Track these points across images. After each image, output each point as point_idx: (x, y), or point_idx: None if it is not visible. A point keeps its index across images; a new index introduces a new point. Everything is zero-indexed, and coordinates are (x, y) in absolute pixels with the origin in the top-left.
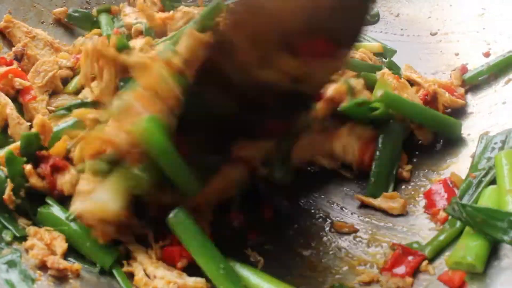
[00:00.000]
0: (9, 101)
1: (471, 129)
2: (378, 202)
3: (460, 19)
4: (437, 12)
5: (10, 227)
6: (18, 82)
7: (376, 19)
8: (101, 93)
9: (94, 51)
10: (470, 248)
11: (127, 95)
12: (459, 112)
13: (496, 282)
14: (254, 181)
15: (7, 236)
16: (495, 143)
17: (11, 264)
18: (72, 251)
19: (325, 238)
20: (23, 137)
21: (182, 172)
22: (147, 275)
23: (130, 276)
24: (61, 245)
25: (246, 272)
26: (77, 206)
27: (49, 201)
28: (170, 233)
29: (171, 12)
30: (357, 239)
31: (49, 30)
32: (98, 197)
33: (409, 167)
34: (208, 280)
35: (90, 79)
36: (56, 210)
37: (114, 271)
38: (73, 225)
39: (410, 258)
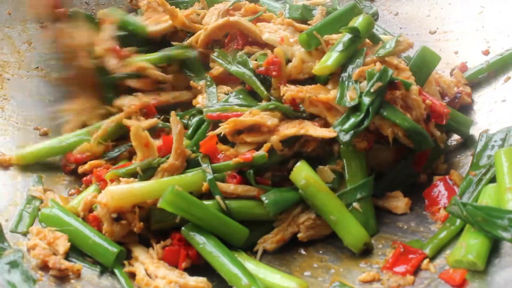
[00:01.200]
0: None
1: (471, 127)
2: (382, 202)
3: (459, 18)
4: (436, 11)
5: None
6: None
7: (375, 17)
8: None
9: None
10: (471, 246)
11: None
12: (460, 110)
13: (497, 279)
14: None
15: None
16: (495, 141)
17: (13, 264)
18: (74, 251)
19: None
20: None
21: None
22: (148, 275)
23: (131, 276)
24: (64, 244)
25: (260, 271)
26: (107, 189)
27: (52, 202)
28: (170, 233)
29: (190, 8)
30: None
31: None
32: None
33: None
34: (209, 279)
35: None
36: (58, 211)
37: (116, 271)
38: (76, 224)
39: (411, 256)
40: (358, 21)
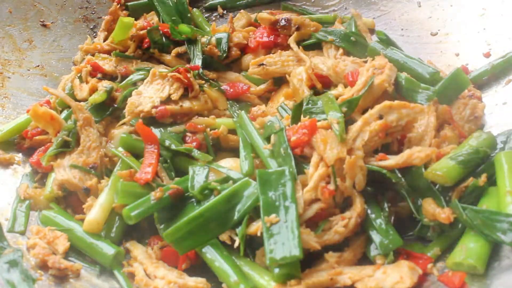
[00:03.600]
0: None
1: None
2: None
3: (461, 20)
4: (438, 13)
5: None
6: None
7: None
8: None
9: None
10: (471, 249)
11: None
12: None
13: (496, 283)
14: None
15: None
16: (496, 144)
17: (12, 264)
18: (73, 250)
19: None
20: None
21: None
22: (147, 275)
23: (131, 276)
24: (63, 243)
25: (254, 273)
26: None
27: (52, 206)
28: None
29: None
30: None
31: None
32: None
33: None
34: (208, 280)
35: None
36: (59, 213)
37: (115, 272)
38: (75, 226)
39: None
40: (481, 138)
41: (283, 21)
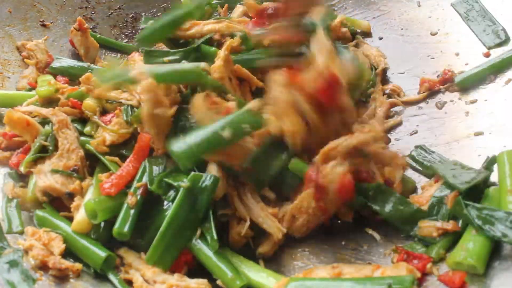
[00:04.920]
0: None
1: (471, 129)
2: None
3: (460, 19)
4: (437, 12)
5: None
6: None
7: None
8: None
9: None
10: (470, 249)
11: None
12: (459, 112)
13: (496, 282)
14: None
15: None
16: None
17: (12, 264)
18: (71, 252)
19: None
20: None
21: None
22: (146, 281)
23: (129, 283)
24: (58, 245)
25: (249, 270)
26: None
27: (45, 206)
28: None
29: None
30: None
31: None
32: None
33: None
34: (210, 280)
35: None
36: (51, 214)
37: (112, 278)
38: (66, 228)
39: (415, 262)
40: None
41: (270, 9)
